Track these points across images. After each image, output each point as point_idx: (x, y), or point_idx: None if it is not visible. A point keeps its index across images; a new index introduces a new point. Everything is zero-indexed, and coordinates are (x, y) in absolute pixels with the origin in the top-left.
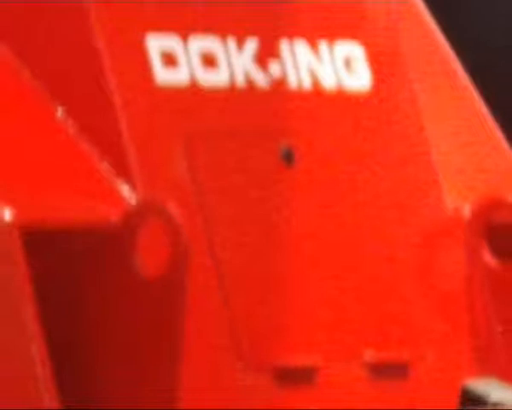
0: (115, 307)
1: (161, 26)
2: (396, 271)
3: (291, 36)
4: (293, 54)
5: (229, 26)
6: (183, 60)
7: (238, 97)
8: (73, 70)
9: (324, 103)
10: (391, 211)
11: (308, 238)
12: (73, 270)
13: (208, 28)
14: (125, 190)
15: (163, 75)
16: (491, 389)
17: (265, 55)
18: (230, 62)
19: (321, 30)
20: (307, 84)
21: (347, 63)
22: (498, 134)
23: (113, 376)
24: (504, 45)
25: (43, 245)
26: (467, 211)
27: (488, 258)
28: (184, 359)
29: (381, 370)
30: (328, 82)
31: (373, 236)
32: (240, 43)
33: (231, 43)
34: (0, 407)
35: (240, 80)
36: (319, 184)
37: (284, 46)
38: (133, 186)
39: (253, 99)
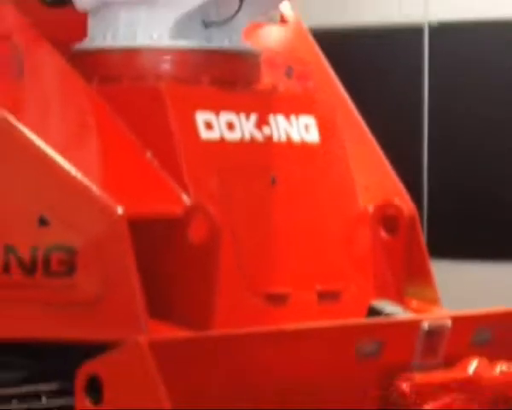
0: (178, 260)
1: (204, 107)
2: (333, 241)
3: (275, 112)
4: (276, 122)
5: (242, 107)
6: (216, 126)
7: (246, 147)
8: (154, 130)
9: (293, 150)
10: (330, 207)
11: (285, 222)
12: (155, 241)
13: (230, 108)
14: (184, 196)
15: (205, 135)
16: (386, 305)
17: (261, 123)
18: (242, 127)
19: (291, 109)
20: (284, 139)
21: (306, 127)
22: (388, 164)
23: (176, 297)
24: (395, 111)
25: (139, 228)
26: (371, 208)
27: (383, 234)
28: (216, 288)
29: (324, 295)
30: (296, 138)
31: (321, 222)
32: (247, 116)
33: (242, 116)
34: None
35: (247, 137)
36: (290, 195)
37: (271, 118)
38: (188, 194)
39: (254, 148)
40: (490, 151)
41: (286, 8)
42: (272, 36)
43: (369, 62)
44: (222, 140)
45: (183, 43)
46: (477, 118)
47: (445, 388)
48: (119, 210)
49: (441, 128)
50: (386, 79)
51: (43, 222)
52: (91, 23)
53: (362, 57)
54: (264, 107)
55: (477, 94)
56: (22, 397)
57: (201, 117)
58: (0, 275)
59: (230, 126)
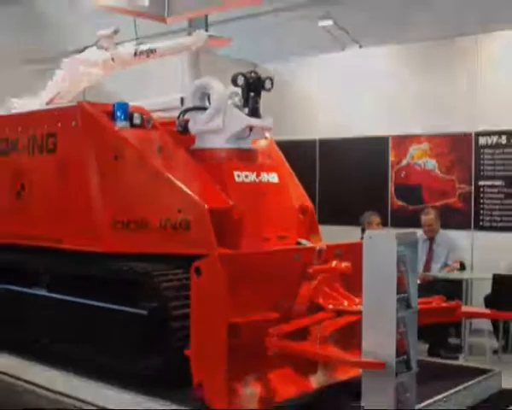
0: (227, 225)
1: (237, 169)
2: (285, 218)
3: (263, 171)
4: (263, 175)
5: (251, 169)
6: (241, 176)
7: (252, 184)
8: (218, 176)
9: (269, 185)
10: (284, 205)
11: (267, 210)
12: (218, 218)
13: (246, 170)
14: (230, 201)
15: (237, 179)
16: (303, 241)
17: (258, 175)
18: (251, 177)
19: (269, 170)
20: (266, 181)
21: (273, 177)
22: (302, 190)
23: (226, 238)
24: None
25: (213, 213)
26: (296, 206)
27: (301, 216)
28: (241, 235)
29: (282, 238)
30: (271, 181)
31: (280, 210)
32: (252, 172)
33: (251, 173)
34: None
35: (252, 181)
36: (269, 201)
37: (262, 173)
38: (231, 200)
39: (255, 184)
40: (349, 185)
41: (267, 134)
42: (262, 144)
43: (292, 158)
44: (243, 182)
45: (230, 146)
46: (342, 181)
47: (324, 271)
48: (206, 206)
49: (324, 182)
50: (301, 166)
51: (179, 211)
52: (196, 139)
53: (288, 155)
54: (259, 169)
55: (345, 174)
56: (162, 274)
57: (236, 173)
58: (162, 230)
59: (246, 176)
